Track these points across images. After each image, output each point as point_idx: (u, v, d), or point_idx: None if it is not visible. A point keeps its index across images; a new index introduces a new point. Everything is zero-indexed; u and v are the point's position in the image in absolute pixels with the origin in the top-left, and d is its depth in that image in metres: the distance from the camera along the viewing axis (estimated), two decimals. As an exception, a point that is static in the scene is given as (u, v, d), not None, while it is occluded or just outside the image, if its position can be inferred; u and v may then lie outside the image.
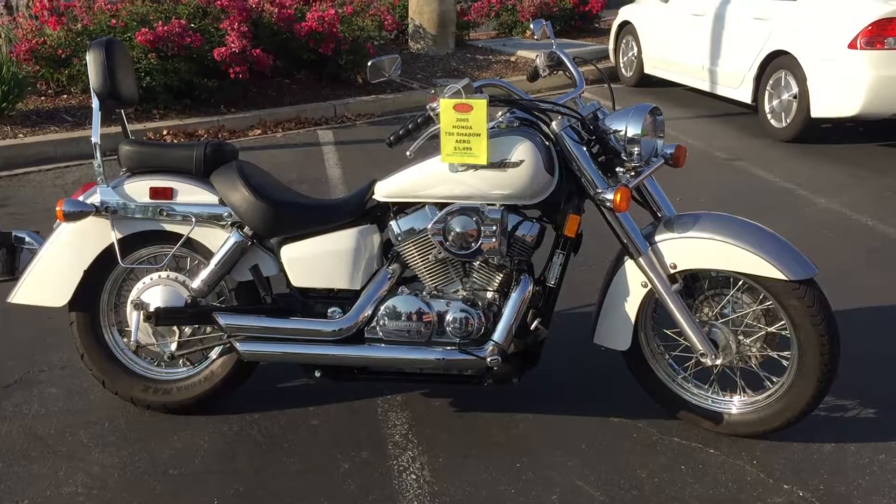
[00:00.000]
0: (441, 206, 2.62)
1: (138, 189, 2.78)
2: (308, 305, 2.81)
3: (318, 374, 2.80)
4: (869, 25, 6.00)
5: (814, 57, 6.35)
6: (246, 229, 2.75)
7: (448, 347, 2.68)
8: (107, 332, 2.94)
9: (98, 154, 2.77)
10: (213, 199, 2.76)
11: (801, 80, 6.43)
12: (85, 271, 2.81)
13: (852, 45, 6.06)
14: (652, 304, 2.74)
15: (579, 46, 10.52)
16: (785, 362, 2.64)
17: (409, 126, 2.61)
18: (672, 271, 2.59)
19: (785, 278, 2.47)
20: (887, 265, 4.25)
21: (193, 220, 2.76)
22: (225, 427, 2.89)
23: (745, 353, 2.68)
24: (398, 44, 10.60)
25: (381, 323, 2.70)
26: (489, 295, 2.68)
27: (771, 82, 6.83)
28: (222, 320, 2.76)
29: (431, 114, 2.56)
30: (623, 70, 9.32)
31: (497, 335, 2.62)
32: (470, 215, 2.56)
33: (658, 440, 2.79)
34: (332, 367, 2.80)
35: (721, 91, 7.62)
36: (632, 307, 2.68)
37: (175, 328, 2.86)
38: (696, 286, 2.69)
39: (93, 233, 2.79)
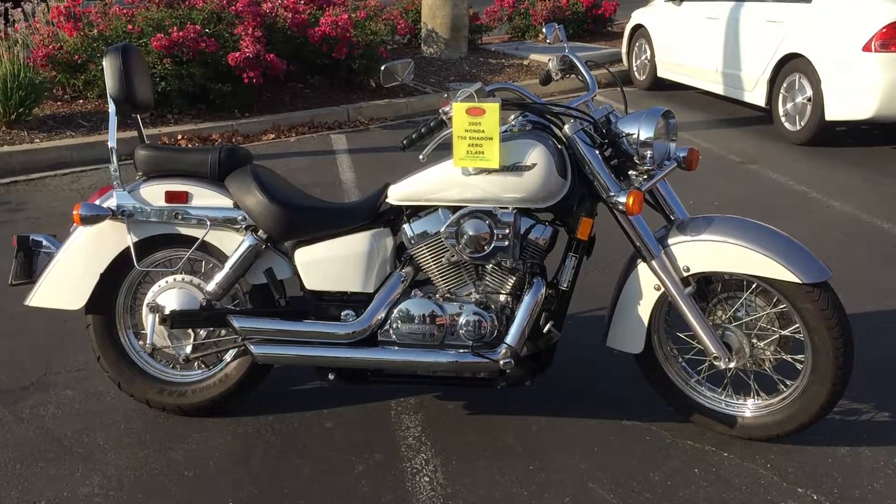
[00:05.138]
0: (454, 209, 2.63)
1: (154, 193, 2.80)
2: (322, 308, 2.82)
3: (331, 376, 2.82)
4: (883, 28, 5.97)
5: (828, 60, 6.32)
6: (260, 233, 2.76)
7: (461, 350, 2.68)
8: (123, 334, 2.97)
9: (114, 158, 2.80)
10: (228, 202, 2.79)
11: (816, 82, 6.40)
12: (101, 274, 2.84)
13: (867, 48, 6.03)
14: (665, 307, 2.74)
15: (592, 50, 10.52)
16: (799, 365, 2.63)
17: (422, 130, 2.62)
18: (685, 274, 2.59)
19: (798, 281, 2.46)
20: (902, 268, 4.23)
21: (208, 223, 2.78)
22: (239, 429, 2.91)
23: (759, 357, 2.68)
24: (411, 48, 10.63)
25: (394, 326, 2.71)
26: (502, 298, 2.69)
27: (785, 85, 6.80)
28: (237, 323, 2.78)
29: (444, 118, 2.56)
30: (636, 73, 9.31)
31: (510, 338, 2.62)
32: (482, 219, 2.57)
33: (671, 443, 2.78)
34: (346, 370, 2.82)
35: (735, 94, 7.59)
36: (645, 310, 2.68)
37: (190, 331, 2.88)
38: (710, 289, 2.69)
39: (109, 236, 2.82)
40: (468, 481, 2.61)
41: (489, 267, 2.67)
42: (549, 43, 3.03)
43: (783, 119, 6.87)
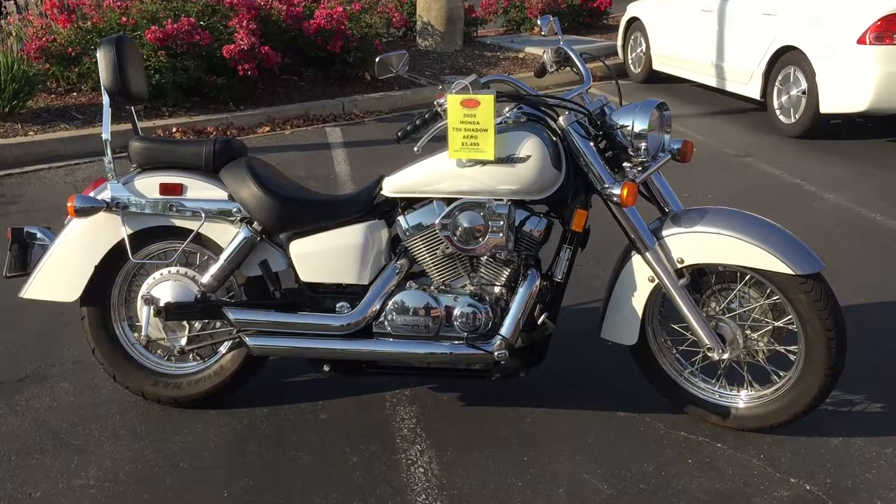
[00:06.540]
0: (449, 201, 2.64)
1: (148, 185, 2.80)
2: (317, 300, 2.82)
3: (326, 368, 2.82)
4: (878, 21, 5.97)
5: (822, 52, 6.33)
6: (255, 225, 2.77)
7: (456, 342, 2.69)
8: (118, 326, 2.97)
9: (108, 151, 2.79)
10: (223, 194, 2.79)
11: (810, 75, 6.41)
12: (96, 266, 2.84)
13: (861, 41, 6.04)
14: (659, 298, 2.75)
15: (587, 43, 10.50)
16: (792, 357, 2.65)
17: (417, 122, 2.62)
18: (679, 266, 2.60)
19: (791, 272, 2.47)
20: (895, 261, 4.25)
21: (203, 215, 2.78)
22: (234, 421, 2.92)
23: (752, 348, 2.69)
24: (406, 41, 10.61)
25: (389, 317, 2.72)
26: (496, 290, 2.70)
27: (780, 78, 6.81)
28: (232, 315, 2.78)
29: (439, 109, 2.57)
30: (631, 66, 9.31)
31: (504, 329, 2.63)
32: (477, 211, 2.57)
33: (665, 434, 2.79)
34: (341, 362, 2.82)
35: (729, 87, 7.60)
36: (639, 302, 2.69)
37: (185, 323, 2.88)
38: (704, 281, 2.70)
39: (103, 228, 2.82)
40: (463, 472, 2.62)
41: (484, 259, 2.68)
42: (545, 35, 3.03)
43: (778, 112, 6.88)
